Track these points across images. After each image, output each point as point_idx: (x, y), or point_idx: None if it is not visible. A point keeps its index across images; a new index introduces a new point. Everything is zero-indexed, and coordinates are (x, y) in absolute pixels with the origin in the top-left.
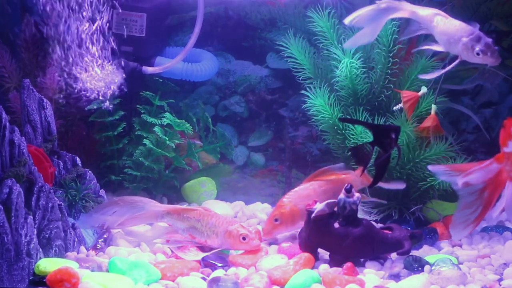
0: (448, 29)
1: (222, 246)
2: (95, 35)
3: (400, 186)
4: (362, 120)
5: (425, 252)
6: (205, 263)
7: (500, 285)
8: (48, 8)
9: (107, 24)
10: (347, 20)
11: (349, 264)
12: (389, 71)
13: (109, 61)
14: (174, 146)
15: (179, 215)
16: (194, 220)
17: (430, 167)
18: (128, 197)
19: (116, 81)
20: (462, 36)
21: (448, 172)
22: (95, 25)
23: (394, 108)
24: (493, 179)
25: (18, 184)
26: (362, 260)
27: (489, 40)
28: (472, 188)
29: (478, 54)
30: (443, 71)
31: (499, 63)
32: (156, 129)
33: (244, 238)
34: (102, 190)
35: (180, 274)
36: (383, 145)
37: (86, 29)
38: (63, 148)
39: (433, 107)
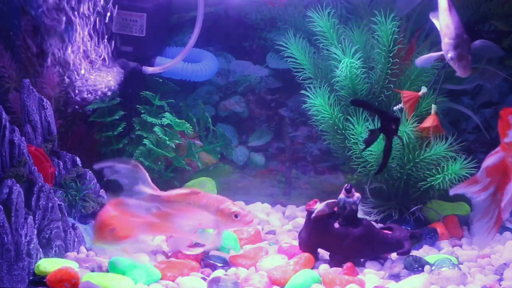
0: (442, 22)
1: (216, 226)
2: (94, 35)
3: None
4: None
5: (425, 252)
6: (205, 263)
7: (500, 285)
8: (47, 8)
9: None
10: None
11: (349, 264)
12: (389, 71)
13: (109, 61)
14: (174, 146)
15: (171, 199)
16: (186, 204)
17: (451, 192)
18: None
19: (115, 81)
20: (446, 37)
21: (466, 186)
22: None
23: (394, 108)
24: (501, 180)
25: (18, 184)
26: (362, 260)
27: (465, 52)
28: (484, 195)
29: (449, 60)
30: (429, 54)
31: (466, 75)
32: (156, 129)
33: (236, 216)
34: (102, 190)
35: (180, 274)
36: (386, 132)
37: (86, 28)
38: (63, 148)
39: (433, 107)
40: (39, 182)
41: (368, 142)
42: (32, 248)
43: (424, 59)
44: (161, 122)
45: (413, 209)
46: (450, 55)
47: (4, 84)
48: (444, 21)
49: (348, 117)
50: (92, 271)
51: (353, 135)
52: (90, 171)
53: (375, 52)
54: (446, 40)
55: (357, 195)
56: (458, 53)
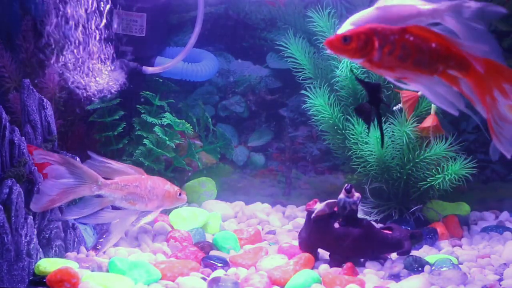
0: None
1: (161, 206)
2: (95, 35)
3: None
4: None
5: (425, 252)
6: (205, 263)
7: (500, 285)
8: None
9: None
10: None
11: (349, 264)
12: None
13: (109, 62)
14: (174, 146)
15: (117, 184)
16: (133, 186)
17: None
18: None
19: (115, 81)
20: None
21: None
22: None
23: (394, 108)
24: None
25: (18, 184)
26: (362, 260)
27: None
28: None
29: None
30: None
31: None
32: (156, 129)
33: (180, 194)
34: None
35: (180, 274)
36: (372, 102)
37: (86, 28)
38: (63, 148)
39: (433, 107)
40: (39, 182)
41: (367, 117)
42: (32, 248)
43: None
44: (161, 122)
45: (413, 209)
46: None
47: (4, 84)
48: None
49: (348, 117)
50: (92, 271)
51: (353, 135)
52: None
53: None
54: None
55: (357, 195)
56: None
